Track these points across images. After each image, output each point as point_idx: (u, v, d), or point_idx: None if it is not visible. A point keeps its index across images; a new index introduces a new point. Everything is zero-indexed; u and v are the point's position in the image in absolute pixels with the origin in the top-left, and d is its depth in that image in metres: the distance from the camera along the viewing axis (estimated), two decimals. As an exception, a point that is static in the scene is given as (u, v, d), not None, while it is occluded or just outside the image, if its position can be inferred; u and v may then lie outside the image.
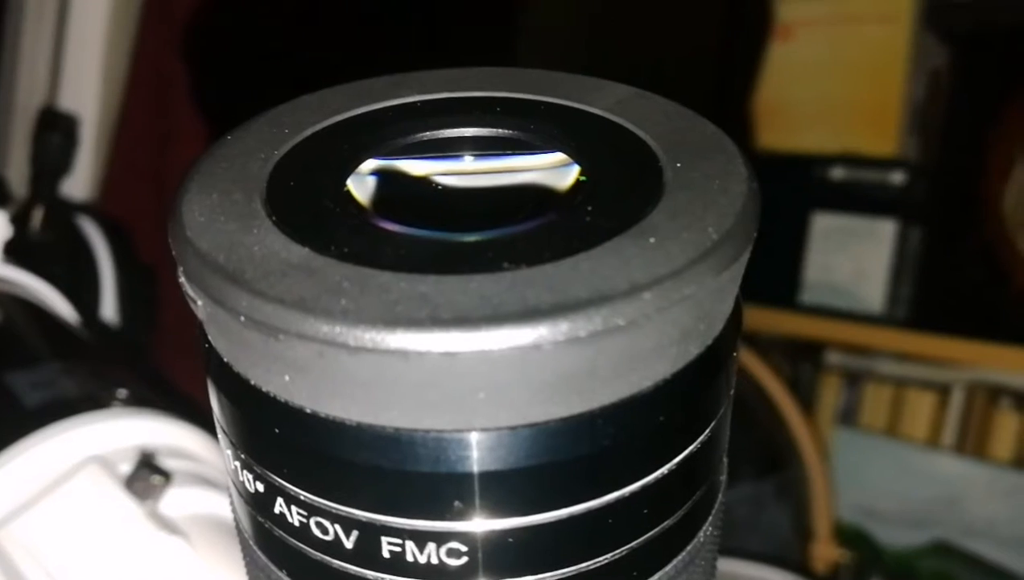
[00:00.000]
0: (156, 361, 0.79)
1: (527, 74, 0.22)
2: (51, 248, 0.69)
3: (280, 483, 0.17)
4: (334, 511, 0.17)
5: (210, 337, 0.18)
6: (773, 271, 1.05)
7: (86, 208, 0.79)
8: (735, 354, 0.19)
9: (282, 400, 0.17)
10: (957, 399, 1.00)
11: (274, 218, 0.17)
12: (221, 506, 0.39)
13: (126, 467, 0.38)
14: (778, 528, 0.91)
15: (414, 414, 0.16)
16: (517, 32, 1.09)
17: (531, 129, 0.20)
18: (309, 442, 0.17)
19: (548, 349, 0.15)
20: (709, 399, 0.18)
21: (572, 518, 0.17)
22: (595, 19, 1.09)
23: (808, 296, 1.05)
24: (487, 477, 0.16)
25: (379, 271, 0.16)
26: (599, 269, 0.16)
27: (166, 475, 0.37)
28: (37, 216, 0.69)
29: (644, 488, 0.17)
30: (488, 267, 0.16)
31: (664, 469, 0.17)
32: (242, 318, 0.16)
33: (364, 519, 0.17)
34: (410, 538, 0.17)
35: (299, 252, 0.16)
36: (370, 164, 0.20)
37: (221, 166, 0.19)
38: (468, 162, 0.20)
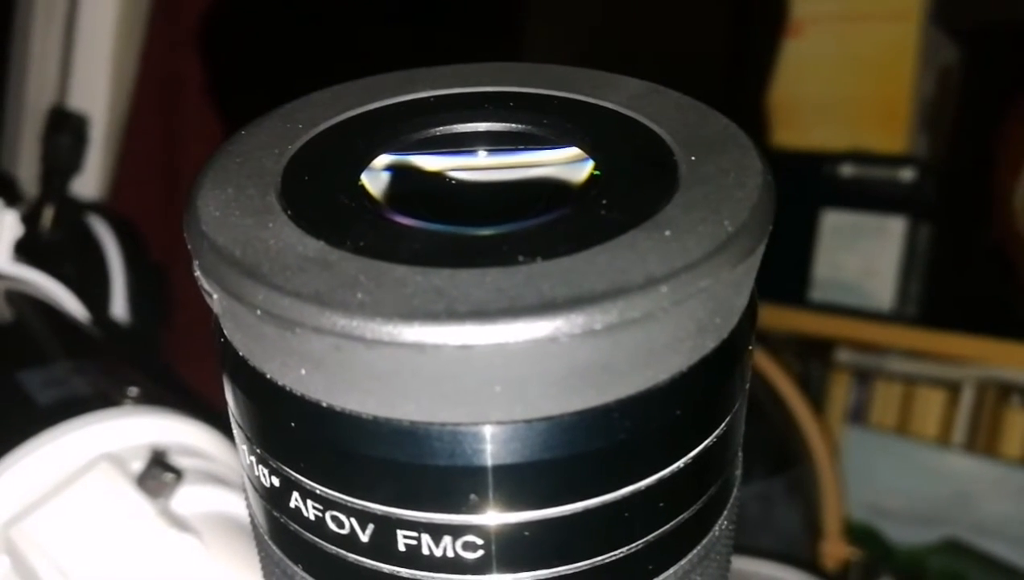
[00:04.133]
0: (167, 359, 0.79)
1: (539, 69, 0.22)
2: (62, 247, 0.69)
3: (296, 477, 0.17)
4: (350, 505, 0.17)
5: (226, 331, 0.18)
6: (782, 268, 1.05)
7: (96, 207, 0.79)
8: (750, 348, 0.19)
9: (298, 394, 0.17)
10: (967, 397, 1.00)
11: (289, 212, 0.17)
12: (233, 504, 0.39)
13: (138, 465, 0.38)
14: (788, 526, 0.90)
15: (430, 407, 0.16)
16: (522, 30, 1.09)
17: (545, 124, 0.20)
18: (325, 436, 0.17)
19: (564, 342, 0.15)
20: (725, 393, 0.18)
21: (588, 511, 0.17)
22: (602, 17, 1.09)
23: (817, 293, 1.05)
24: (503, 470, 0.16)
25: (395, 265, 0.16)
26: (615, 262, 0.16)
27: (178, 473, 0.37)
28: (48, 215, 0.70)
29: (660, 482, 0.17)
30: (503, 260, 0.16)
31: (680, 463, 0.17)
32: (259, 312, 0.16)
33: (380, 512, 0.17)
34: (426, 531, 0.17)
35: (315, 246, 0.16)
36: (383, 159, 0.20)
37: (235, 161, 0.19)
38: (482, 157, 0.20)
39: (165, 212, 0.84)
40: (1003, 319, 0.98)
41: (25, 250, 0.54)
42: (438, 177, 0.20)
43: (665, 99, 0.20)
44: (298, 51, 0.90)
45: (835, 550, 0.91)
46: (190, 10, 0.87)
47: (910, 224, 1.01)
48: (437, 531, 0.17)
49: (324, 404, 0.16)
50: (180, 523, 0.36)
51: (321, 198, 0.18)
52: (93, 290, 0.68)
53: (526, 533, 0.17)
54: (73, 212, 0.72)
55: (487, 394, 0.15)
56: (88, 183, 0.83)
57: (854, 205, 1.03)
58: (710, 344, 0.17)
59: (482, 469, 0.16)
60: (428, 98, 0.21)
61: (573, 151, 0.20)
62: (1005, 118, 0.98)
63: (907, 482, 1.01)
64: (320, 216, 0.17)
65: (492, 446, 0.16)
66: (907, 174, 1.01)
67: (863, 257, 1.02)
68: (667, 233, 0.16)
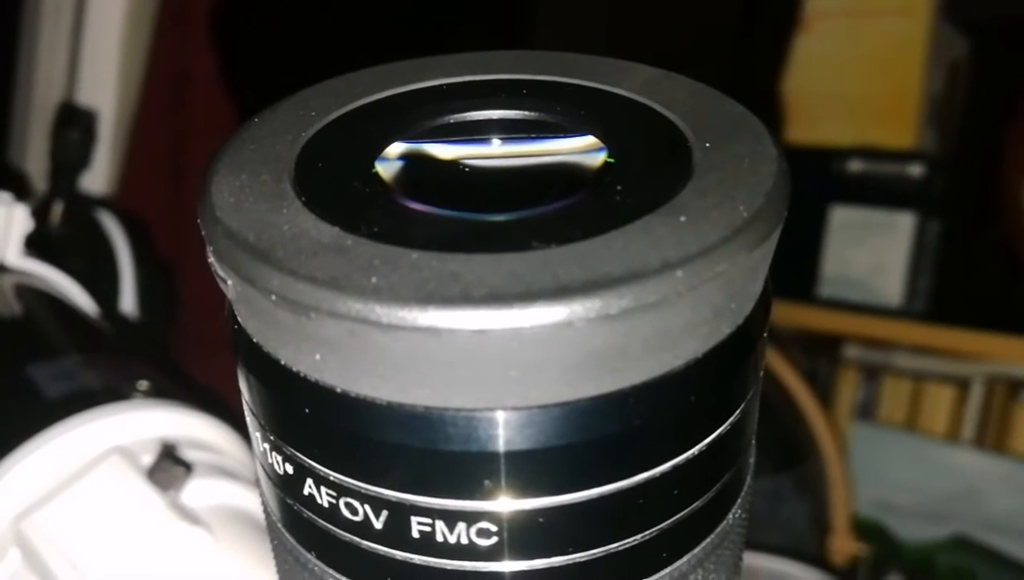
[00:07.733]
0: (175, 354, 0.79)
1: (552, 57, 0.22)
2: (71, 242, 0.69)
3: (309, 464, 0.17)
4: (364, 491, 0.17)
5: (239, 318, 0.18)
6: (791, 264, 1.05)
7: (105, 202, 0.79)
8: (764, 335, 0.19)
9: (312, 379, 0.16)
10: (976, 393, 1.00)
11: (303, 198, 0.17)
12: (242, 497, 0.39)
13: (148, 458, 0.38)
14: (796, 522, 0.90)
15: (445, 392, 0.16)
16: (530, 33, 1.09)
17: (558, 111, 0.20)
18: (339, 422, 0.17)
19: (580, 326, 0.15)
20: (739, 379, 0.18)
21: (602, 498, 0.17)
22: (611, 12, 1.09)
23: (826, 289, 1.05)
24: (517, 456, 0.16)
25: (409, 250, 0.16)
26: (630, 247, 0.16)
27: (188, 466, 0.37)
28: (57, 210, 0.70)
29: (675, 468, 0.17)
30: (518, 246, 0.16)
31: (695, 450, 0.17)
32: (273, 297, 0.16)
33: (394, 499, 0.17)
34: (440, 518, 0.17)
35: (329, 231, 0.16)
36: (397, 146, 0.20)
37: (249, 148, 0.19)
38: (495, 144, 0.20)
39: (173, 208, 0.84)
40: (1012, 315, 0.98)
41: (34, 245, 0.54)
42: (452, 164, 0.20)
43: (678, 85, 0.20)
44: (308, 49, 0.90)
45: (843, 546, 0.90)
46: (199, 5, 0.87)
47: (919, 220, 1.01)
48: (451, 517, 0.17)
49: (339, 390, 0.16)
50: (190, 516, 0.36)
51: (335, 184, 0.18)
52: (102, 285, 0.68)
53: (540, 520, 0.17)
54: (82, 207, 0.73)
55: (502, 379, 0.15)
56: (97, 178, 0.83)
57: (862, 201, 1.03)
58: (725, 330, 0.17)
59: (496, 455, 0.16)
60: (441, 86, 0.21)
61: (586, 139, 0.20)
62: (1014, 114, 0.98)
63: (915, 478, 1.01)
64: (334, 202, 0.17)
65: (506, 431, 0.16)
66: (916, 170, 1.01)
67: (871, 253, 1.02)
68: (682, 218, 0.16)
